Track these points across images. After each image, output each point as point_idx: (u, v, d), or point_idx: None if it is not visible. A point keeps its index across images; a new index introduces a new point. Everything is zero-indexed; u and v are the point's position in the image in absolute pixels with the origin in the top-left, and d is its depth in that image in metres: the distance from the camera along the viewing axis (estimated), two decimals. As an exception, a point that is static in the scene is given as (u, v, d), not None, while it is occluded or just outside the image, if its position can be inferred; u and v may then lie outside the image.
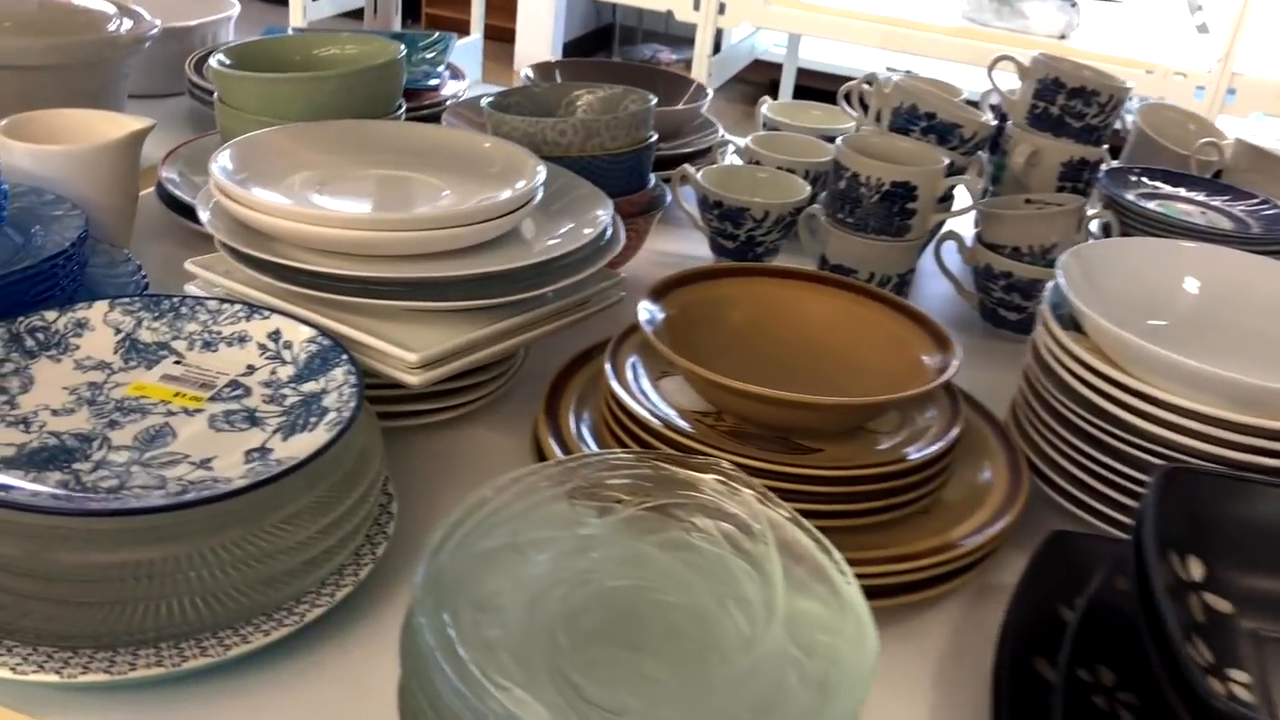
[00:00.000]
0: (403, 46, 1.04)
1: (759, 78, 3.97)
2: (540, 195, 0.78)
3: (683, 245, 1.13)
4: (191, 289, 0.77)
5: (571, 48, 4.36)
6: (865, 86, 1.13)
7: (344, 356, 0.66)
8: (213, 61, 1.00)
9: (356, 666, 0.58)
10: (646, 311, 0.72)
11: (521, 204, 0.76)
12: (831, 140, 1.23)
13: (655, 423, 0.66)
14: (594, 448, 0.70)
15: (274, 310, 0.70)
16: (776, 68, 3.80)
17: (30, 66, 1.05)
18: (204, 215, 0.76)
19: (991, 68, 1.10)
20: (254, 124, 0.97)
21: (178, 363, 0.67)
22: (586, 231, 0.78)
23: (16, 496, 0.53)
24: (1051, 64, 1.05)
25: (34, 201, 0.83)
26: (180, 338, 0.69)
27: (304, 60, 1.07)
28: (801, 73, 3.75)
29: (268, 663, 0.57)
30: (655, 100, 0.99)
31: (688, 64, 4.31)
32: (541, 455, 0.72)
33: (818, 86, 3.53)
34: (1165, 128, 1.17)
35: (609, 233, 0.80)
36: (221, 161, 0.77)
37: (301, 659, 0.58)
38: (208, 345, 0.69)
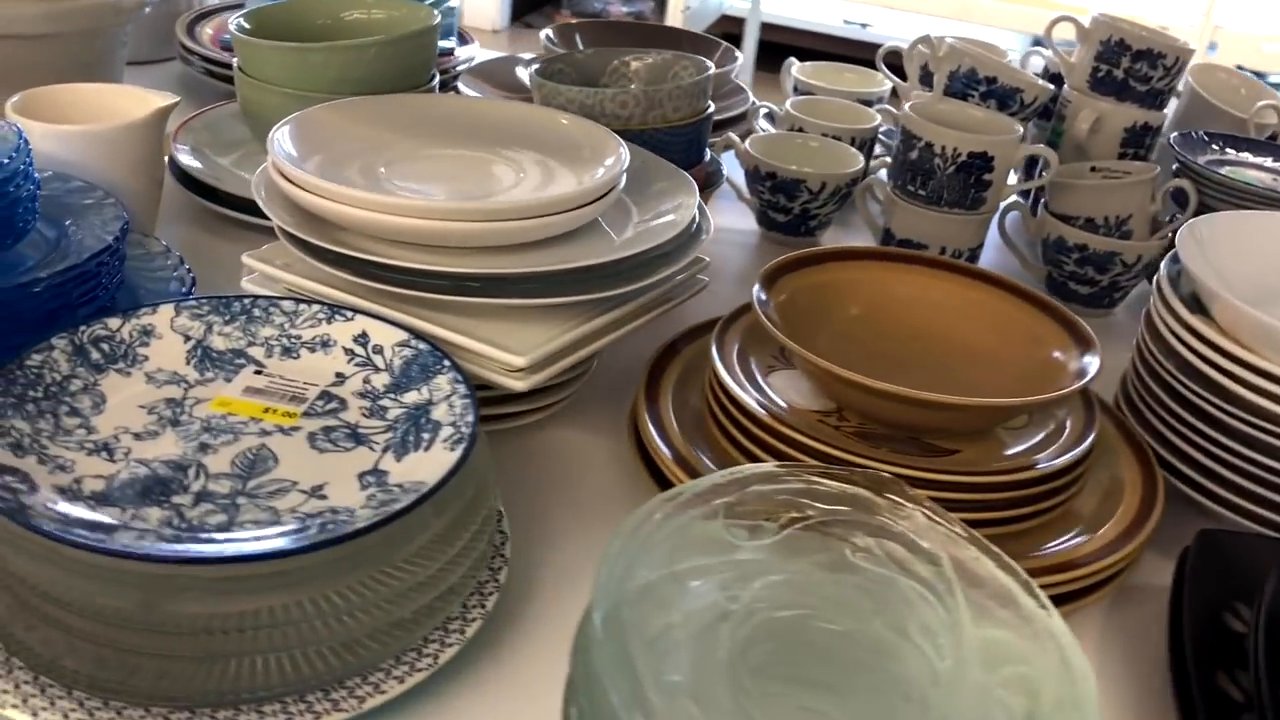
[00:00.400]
0: (436, 12, 0.97)
1: (721, 31, 3.90)
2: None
3: (728, 219, 1.08)
4: (247, 285, 0.70)
5: (520, 2, 4.25)
6: (921, 49, 1.08)
7: (446, 363, 0.60)
8: (232, 28, 0.93)
9: (495, 708, 0.53)
10: (759, 300, 0.67)
11: (611, 187, 0.70)
12: (869, 105, 1.18)
13: (786, 429, 0.61)
14: (705, 450, 0.65)
15: (356, 310, 0.64)
16: (740, 22, 3.73)
17: (26, 35, 0.96)
18: (263, 203, 0.69)
19: (1050, 29, 1.05)
20: (280, 96, 0.90)
21: (259, 373, 0.61)
22: (675, 218, 0.72)
23: (126, 542, 0.47)
24: (1114, 25, 1.00)
25: (59, 189, 0.75)
26: (256, 343, 0.62)
27: (330, 26, 0.99)
28: (766, 27, 3.69)
29: (399, 712, 0.52)
30: (711, 68, 0.93)
31: (638, 16, 4.22)
32: (646, 459, 0.67)
33: (782, 41, 3.47)
34: (1218, 90, 1.13)
35: (697, 218, 0.74)
36: (281, 142, 0.70)
37: (432, 704, 0.53)
38: (288, 351, 0.62)
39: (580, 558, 0.62)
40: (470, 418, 0.56)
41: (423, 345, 0.62)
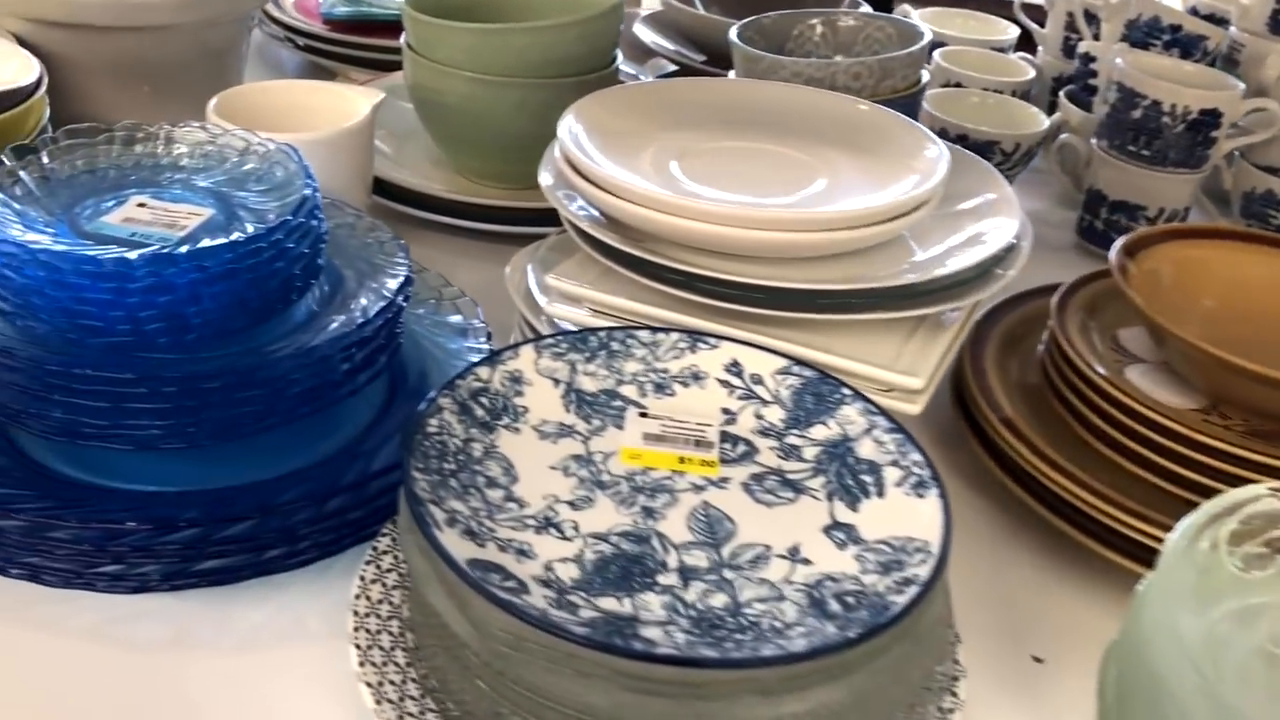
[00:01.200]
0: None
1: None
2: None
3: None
4: (559, 308, 0.64)
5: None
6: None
7: (845, 391, 0.55)
8: (408, 8, 0.84)
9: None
10: (1120, 275, 0.63)
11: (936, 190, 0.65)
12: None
13: (1185, 430, 0.58)
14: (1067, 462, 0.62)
15: (717, 336, 0.58)
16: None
17: (156, 27, 0.86)
18: (571, 211, 0.63)
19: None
20: (466, 82, 0.82)
21: (644, 414, 0.55)
22: (1006, 218, 0.67)
23: (666, 645, 0.42)
24: (1294, -37, 0.98)
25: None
26: (625, 381, 0.57)
27: (494, 7, 0.91)
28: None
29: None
30: (926, 31, 0.88)
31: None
32: (1004, 468, 0.63)
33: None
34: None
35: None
36: (578, 141, 0.64)
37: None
38: (660, 388, 0.57)
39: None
40: (915, 454, 0.51)
41: (808, 372, 0.56)
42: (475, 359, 0.59)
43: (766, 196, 0.65)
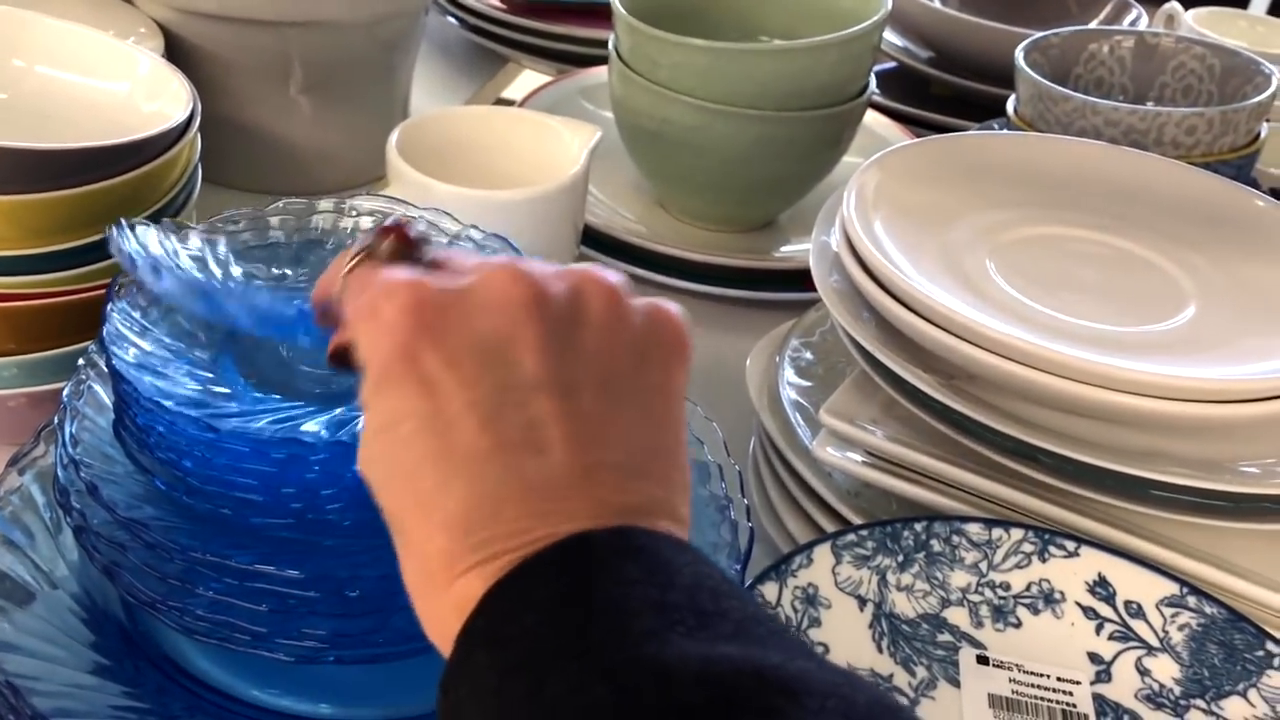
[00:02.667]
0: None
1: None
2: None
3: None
4: (827, 453, 0.49)
5: None
6: None
7: (1273, 646, 0.39)
8: (621, 10, 0.69)
9: None
10: None
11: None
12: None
13: None
14: None
15: (1076, 538, 0.42)
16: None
17: (322, 22, 0.72)
18: (874, 345, 0.47)
19: None
20: (696, 112, 0.67)
21: (984, 659, 0.40)
22: None
23: None
24: None
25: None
26: (951, 601, 0.41)
27: (726, 12, 0.75)
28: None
29: None
30: (1272, 69, 0.70)
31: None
32: None
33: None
34: None
35: None
36: (872, 233, 0.48)
37: None
38: (1000, 614, 0.41)
39: None
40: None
41: (1210, 608, 0.41)
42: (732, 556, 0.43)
43: (1119, 324, 0.48)
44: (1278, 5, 1.40)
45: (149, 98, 0.54)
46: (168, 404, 0.37)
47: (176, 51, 0.69)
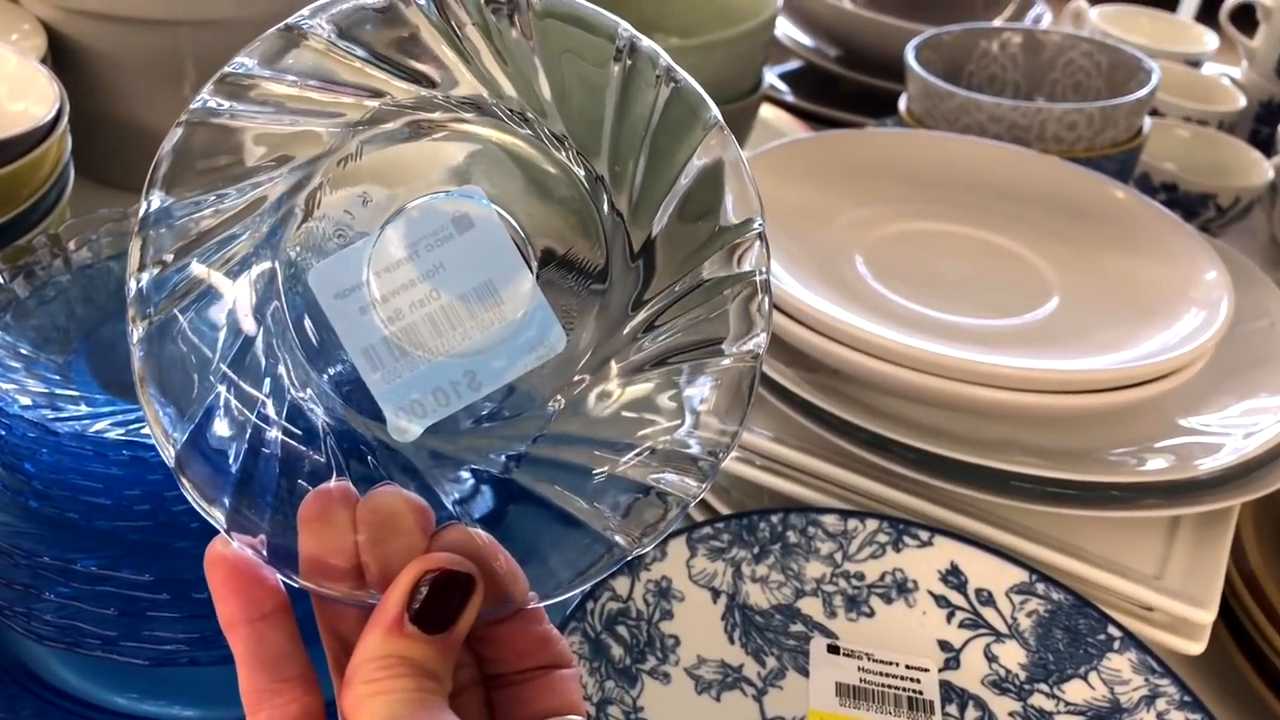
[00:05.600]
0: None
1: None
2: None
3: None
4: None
5: None
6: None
7: (1113, 630, 0.40)
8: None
9: None
10: None
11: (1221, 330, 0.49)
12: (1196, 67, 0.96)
13: None
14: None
15: (930, 528, 0.43)
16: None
17: (212, 21, 0.71)
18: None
19: None
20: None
21: (835, 650, 0.41)
22: None
23: None
24: None
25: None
26: (806, 591, 0.42)
27: (623, 10, 0.75)
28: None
29: None
30: (1152, 66, 0.71)
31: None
32: None
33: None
34: None
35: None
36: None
37: None
38: (854, 604, 0.42)
39: None
40: (1224, 755, 0.37)
41: (1056, 594, 0.42)
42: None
43: (984, 317, 0.49)
44: (1208, 6, 1.43)
45: (13, 97, 0.53)
46: (5, 407, 0.37)
47: (62, 51, 0.69)
